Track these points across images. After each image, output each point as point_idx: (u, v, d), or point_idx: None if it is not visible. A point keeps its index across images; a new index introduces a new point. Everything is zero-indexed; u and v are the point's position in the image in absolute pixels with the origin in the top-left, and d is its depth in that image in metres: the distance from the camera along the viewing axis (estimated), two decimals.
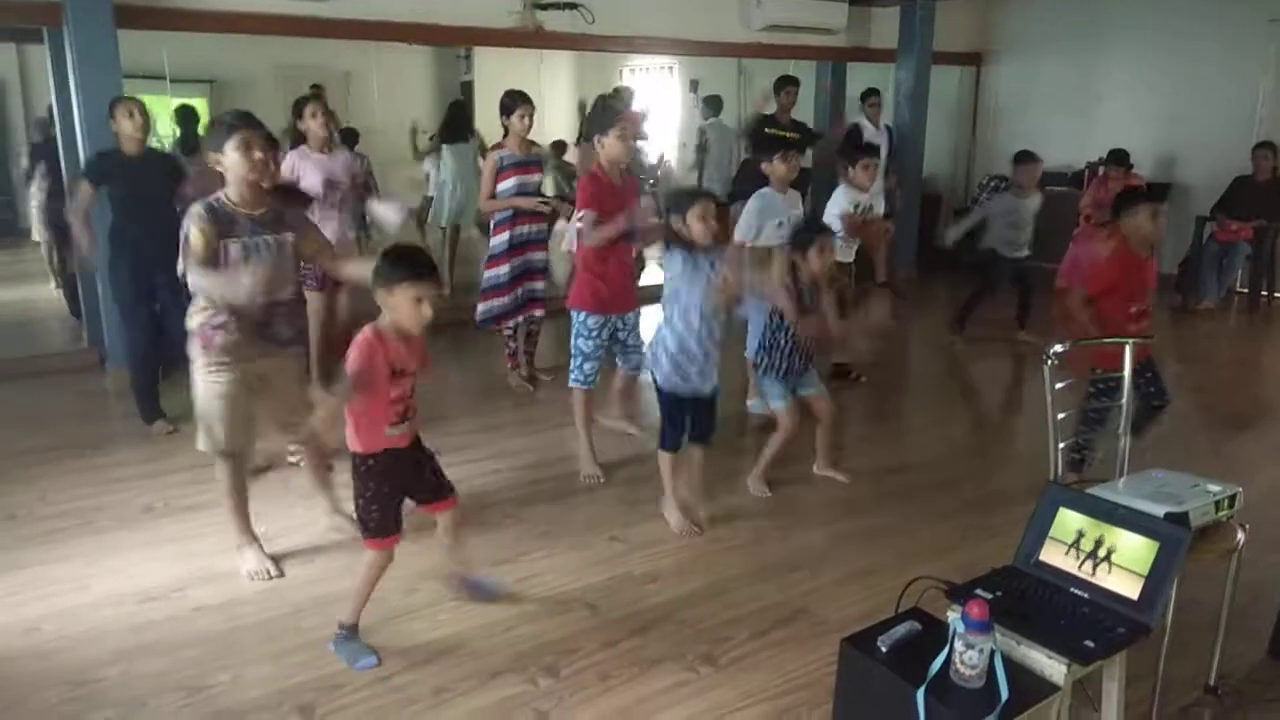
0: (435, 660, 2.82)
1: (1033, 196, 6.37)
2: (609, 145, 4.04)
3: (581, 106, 8.73)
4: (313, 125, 4.71)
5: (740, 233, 4.79)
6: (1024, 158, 6.37)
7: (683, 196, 3.46)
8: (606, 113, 4.19)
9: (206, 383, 3.15)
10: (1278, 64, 7.83)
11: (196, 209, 3.01)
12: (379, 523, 2.78)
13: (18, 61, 7.83)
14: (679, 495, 3.72)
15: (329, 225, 4.63)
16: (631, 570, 3.40)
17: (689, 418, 3.61)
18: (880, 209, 5.47)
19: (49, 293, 7.06)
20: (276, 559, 3.40)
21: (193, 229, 2.98)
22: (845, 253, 5.37)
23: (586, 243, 4.02)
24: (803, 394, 4.07)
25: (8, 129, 8.19)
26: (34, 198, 6.99)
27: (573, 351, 4.20)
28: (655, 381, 3.59)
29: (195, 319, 3.10)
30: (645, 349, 4.21)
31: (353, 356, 2.61)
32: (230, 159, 3.00)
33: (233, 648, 2.88)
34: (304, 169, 4.67)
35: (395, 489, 2.81)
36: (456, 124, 7.76)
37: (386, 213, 4.49)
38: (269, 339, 3.18)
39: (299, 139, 4.88)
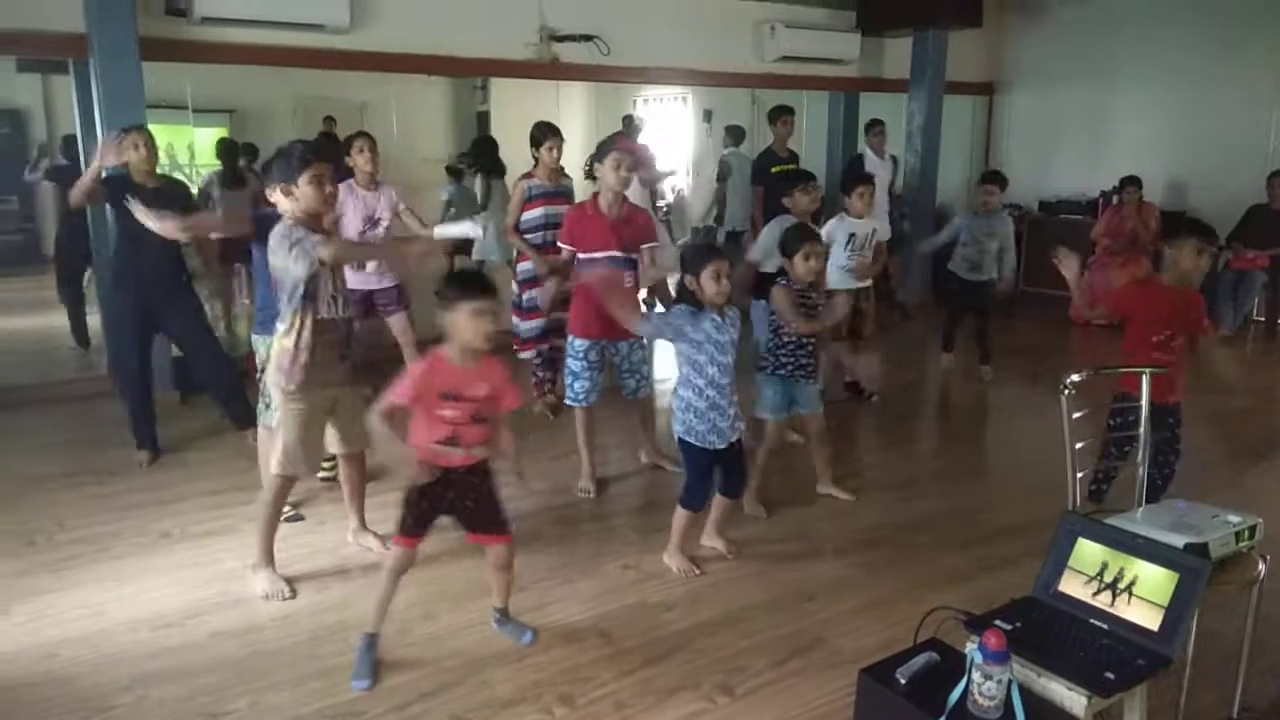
0: (451, 688, 2.82)
1: (997, 219, 6.19)
2: (602, 173, 4.10)
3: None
4: (359, 161, 4.90)
5: (755, 254, 4.82)
6: (982, 179, 6.27)
7: (696, 255, 3.38)
8: (605, 141, 4.25)
9: (285, 407, 3.29)
10: None
11: (299, 233, 3.15)
12: (403, 521, 2.88)
13: (42, 91, 7.97)
14: (687, 548, 3.65)
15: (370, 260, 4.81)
16: (646, 599, 3.39)
17: (720, 470, 3.54)
18: (885, 235, 5.47)
19: (67, 319, 7.12)
20: (291, 581, 3.42)
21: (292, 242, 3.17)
22: (848, 280, 5.35)
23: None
24: (799, 411, 4.10)
25: (31, 159, 8.30)
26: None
27: (567, 373, 4.32)
28: (688, 443, 3.47)
29: (279, 342, 3.24)
30: (644, 376, 4.37)
31: (415, 372, 2.80)
32: (303, 190, 3.14)
33: (249, 674, 2.89)
34: (347, 206, 4.84)
35: (427, 500, 2.86)
36: (486, 156, 7.85)
37: (464, 230, 4.61)
38: (350, 358, 3.35)
39: (348, 172, 5.06)
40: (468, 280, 2.86)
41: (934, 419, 6.10)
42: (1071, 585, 2.18)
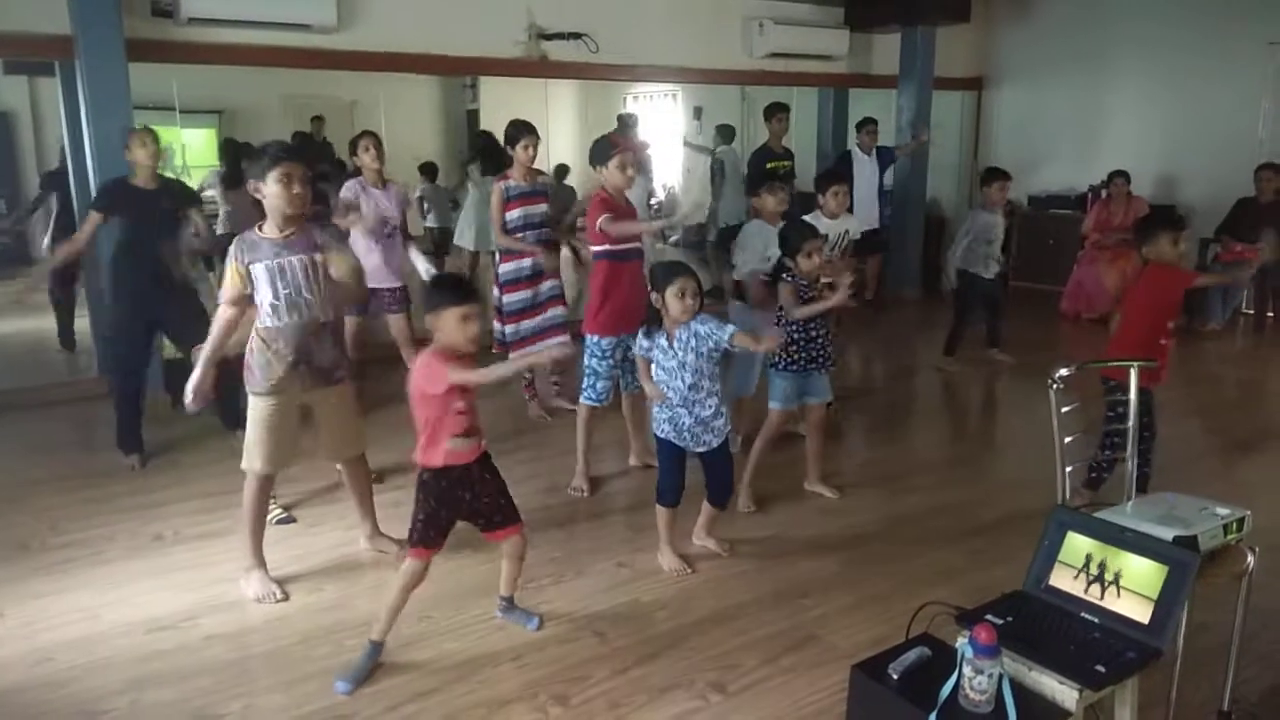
0: (444, 689, 2.82)
1: (1000, 213, 6.33)
2: (609, 175, 4.14)
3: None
4: (365, 159, 4.99)
5: (743, 268, 4.77)
6: (993, 175, 6.31)
7: (664, 271, 3.32)
8: (604, 144, 4.25)
9: (252, 405, 3.27)
10: (1277, 85, 7.88)
11: (233, 246, 3.17)
12: (419, 533, 2.88)
13: (29, 93, 7.93)
14: (676, 545, 3.64)
15: (373, 257, 4.89)
16: (639, 597, 3.40)
17: (705, 476, 3.54)
18: (857, 234, 5.46)
19: (55, 323, 7.08)
20: (282, 583, 3.41)
21: (228, 266, 3.16)
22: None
23: (613, 233, 4.11)
24: (808, 400, 4.14)
25: (18, 161, 8.27)
26: (44, 227, 7.04)
27: (586, 371, 4.29)
28: (656, 434, 3.52)
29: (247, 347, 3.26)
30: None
31: (421, 375, 2.76)
32: (271, 190, 3.09)
33: (244, 677, 2.89)
34: (362, 204, 4.96)
35: (447, 508, 2.88)
36: (492, 154, 7.84)
37: (418, 264, 5.05)
38: (309, 364, 3.26)
39: (356, 170, 5.16)
40: (453, 285, 2.88)
41: (923, 414, 6.12)
42: (1062, 579, 2.19)
